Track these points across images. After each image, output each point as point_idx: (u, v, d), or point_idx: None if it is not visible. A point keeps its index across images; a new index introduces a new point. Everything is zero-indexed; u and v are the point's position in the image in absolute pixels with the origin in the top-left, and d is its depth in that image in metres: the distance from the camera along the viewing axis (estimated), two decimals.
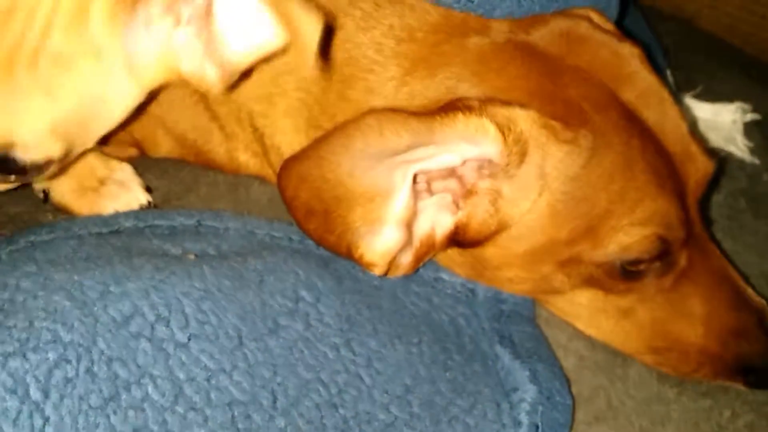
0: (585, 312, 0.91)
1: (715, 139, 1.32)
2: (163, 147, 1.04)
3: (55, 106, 0.63)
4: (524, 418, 0.79)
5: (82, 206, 0.94)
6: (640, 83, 0.87)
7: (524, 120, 0.78)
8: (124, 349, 0.65)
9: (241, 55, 0.70)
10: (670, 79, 1.32)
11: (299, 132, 0.93)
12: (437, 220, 0.83)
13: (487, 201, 0.81)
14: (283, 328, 0.76)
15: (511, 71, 0.84)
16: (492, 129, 0.77)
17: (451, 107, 0.79)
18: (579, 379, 0.90)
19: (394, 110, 0.80)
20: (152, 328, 0.68)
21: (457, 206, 0.83)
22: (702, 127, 1.33)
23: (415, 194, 0.81)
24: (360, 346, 0.79)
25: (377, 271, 0.83)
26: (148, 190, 0.97)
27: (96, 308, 0.66)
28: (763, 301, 0.93)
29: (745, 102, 1.40)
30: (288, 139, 0.94)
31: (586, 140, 0.80)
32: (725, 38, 1.71)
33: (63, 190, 0.95)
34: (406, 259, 0.84)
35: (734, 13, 1.68)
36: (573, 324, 0.94)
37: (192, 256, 0.80)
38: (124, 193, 0.95)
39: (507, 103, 0.79)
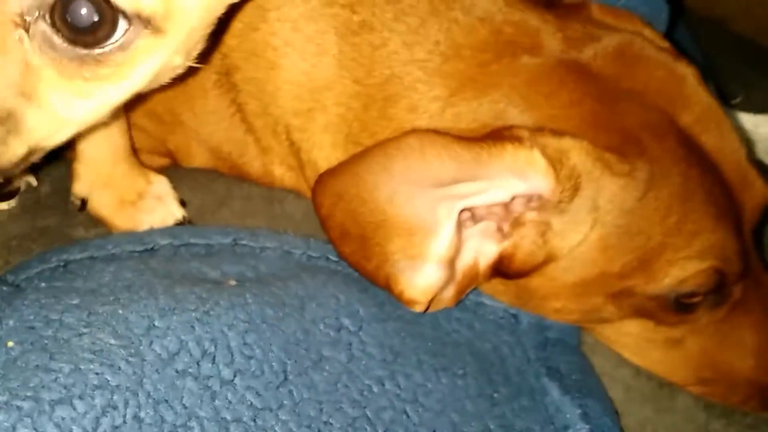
0: (633, 341, 0.89)
1: (755, 151, 1.30)
2: (197, 158, 1.02)
3: None
4: None
5: (119, 219, 0.94)
6: (697, 106, 0.85)
7: (577, 153, 0.76)
8: (171, 390, 0.63)
9: None
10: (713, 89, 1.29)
11: (337, 148, 0.90)
12: (481, 249, 0.80)
13: (534, 232, 0.79)
14: (327, 360, 0.74)
15: (563, 97, 0.81)
16: (543, 164, 0.74)
17: (500, 137, 0.76)
18: (625, 411, 0.88)
19: (438, 132, 0.77)
20: (198, 365, 0.66)
21: (502, 234, 0.80)
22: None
23: (459, 226, 0.78)
24: (405, 379, 0.76)
25: (418, 308, 0.80)
26: (183, 204, 0.96)
27: (142, 346, 0.64)
28: None
29: None
30: (325, 154, 0.91)
31: (643, 173, 0.77)
32: (758, 40, 1.68)
33: (103, 202, 0.94)
34: (448, 294, 0.82)
35: (766, 16, 1.65)
36: (619, 352, 0.92)
37: (232, 282, 0.78)
38: (161, 207, 0.94)
39: (559, 133, 0.76)
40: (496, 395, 0.80)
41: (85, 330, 0.63)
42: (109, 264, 0.76)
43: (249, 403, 0.66)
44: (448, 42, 0.85)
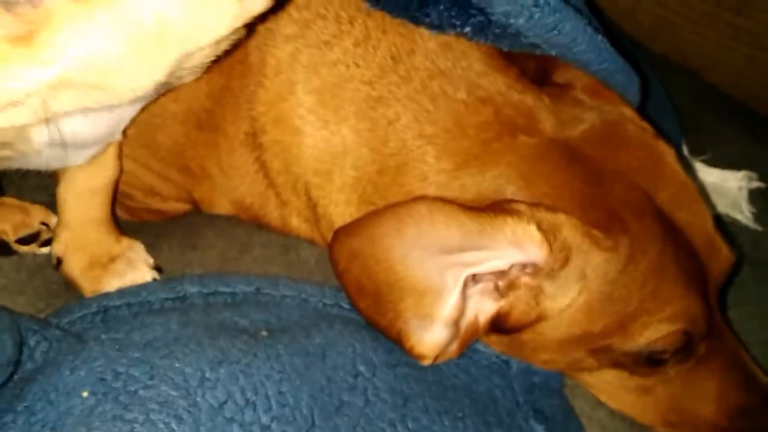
0: (609, 387, 1.00)
1: (722, 205, 1.41)
2: (220, 207, 1.12)
3: None
4: None
5: (87, 280, 1.00)
6: (673, 185, 0.95)
7: (568, 228, 0.86)
8: None
9: None
10: (685, 149, 1.40)
11: (351, 205, 1.00)
12: (480, 307, 0.90)
13: (528, 295, 0.89)
14: (347, 405, 0.84)
15: (557, 177, 0.91)
16: (538, 237, 0.84)
17: (500, 210, 0.86)
18: None
19: (445, 201, 0.87)
20: (242, 412, 0.76)
21: (499, 293, 0.90)
22: (710, 191, 1.41)
23: (464, 290, 0.88)
24: (414, 422, 0.86)
25: (426, 362, 0.90)
26: (158, 269, 1.03)
27: (198, 397, 0.74)
28: None
29: (751, 166, 1.49)
30: (340, 211, 1.01)
31: (625, 248, 0.88)
32: (730, 92, 1.79)
33: (74, 263, 1.00)
34: (452, 348, 0.91)
35: (739, 70, 1.76)
36: (597, 396, 1.03)
37: (264, 333, 0.87)
38: (131, 271, 1.01)
39: (552, 209, 0.87)
40: None
41: (150, 382, 0.74)
42: (157, 316, 0.86)
43: None
44: (456, 122, 0.94)
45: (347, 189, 1.00)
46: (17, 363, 0.78)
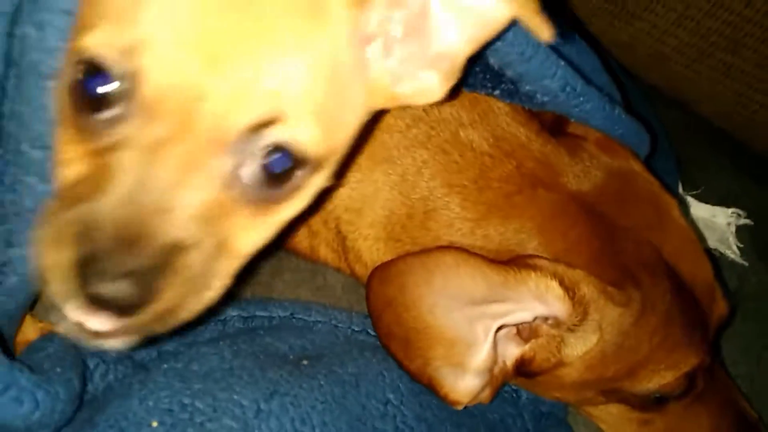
0: (612, 419, 1.09)
1: (711, 239, 1.50)
2: None
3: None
4: None
5: None
6: (677, 237, 1.04)
7: (586, 284, 0.93)
8: None
9: (464, 43, 0.75)
10: (680, 187, 1.49)
11: (379, 241, 1.06)
12: (505, 352, 0.97)
13: (550, 343, 0.96)
14: None
15: (574, 234, 0.98)
16: (561, 292, 0.91)
17: (524, 264, 0.92)
18: None
19: (470, 253, 0.93)
20: None
21: (522, 338, 0.97)
22: (701, 226, 1.50)
23: (494, 341, 0.94)
24: None
25: (460, 407, 0.97)
26: None
27: (255, 428, 0.82)
28: (756, 416, 1.12)
29: (739, 199, 1.58)
30: (368, 245, 1.07)
31: (637, 303, 0.95)
32: (720, 125, 1.88)
33: None
34: (485, 393, 0.98)
35: (729, 105, 1.84)
36: (598, 425, 1.12)
37: (305, 362, 0.95)
38: None
39: (571, 265, 0.93)
40: None
41: (213, 414, 0.81)
42: (209, 346, 0.93)
43: None
44: (479, 172, 1.00)
45: (377, 226, 1.05)
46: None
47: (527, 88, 0.96)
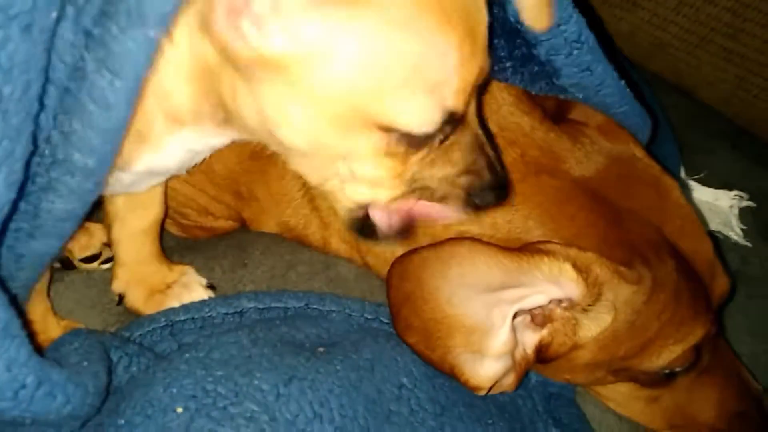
0: (621, 397, 1.12)
1: (714, 222, 1.52)
2: (266, 227, 1.22)
3: None
4: None
5: (151, 308, 1.09)
6: (679, 217, 1.06)
7: (598, 265, 0.95)
8: None
9: None
10: (682, 169, 1.52)
11: None
12: (524, 339, 0.99)
13: (565, 326, 0.98)
14: (395, 414, 0.95)
15: (581, 218, 1.00)
16: (574, 274, 0.94)
17: (536, 250, 0.95)
18: None
19: (483, 243, 0.95)
20: (311, 424, 0.87)
21: (538, 325, 0.99)
22: (703, 209, 1.53)
23: (512, 325, 0.96)
24: (451, 428, 0.97)
25: (482, 392, 0.99)
26: (212, 287, 1.13)
27: (276, 411, 0.85)
28: (761, 388, 1.15)
29: (739, 182, 1.60)
30: None
31: (648, 280, 0.98)
32: (721, 110, 1.91)
33: (136, 296, 1.10)
34: (509, 380, 1.00)
35: (730, 89, 1.87)
36: (607, 404, 1.15)
37: (321, 349, 0.98)
38: (188, 293, 1.10)
39: (583, 248, 0.96)
40: None
41: (235, 399, 0.84)
42: (228, 335, 0.96)
43: None
44: None
45: None
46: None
47: (543, 41, 0.96)
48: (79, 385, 0.79)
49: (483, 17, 0.73)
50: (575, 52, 0.98)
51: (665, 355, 1.01)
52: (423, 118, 0.71)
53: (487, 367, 0.97)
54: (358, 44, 0.65)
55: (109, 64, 0.67)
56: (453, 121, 0.75)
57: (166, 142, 0.82)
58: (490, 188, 0.83)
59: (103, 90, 0.67)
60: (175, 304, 1.08)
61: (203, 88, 0.75)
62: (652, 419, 1.13)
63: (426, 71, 0.67)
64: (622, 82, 1.07)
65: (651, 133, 1.20)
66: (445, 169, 0.80)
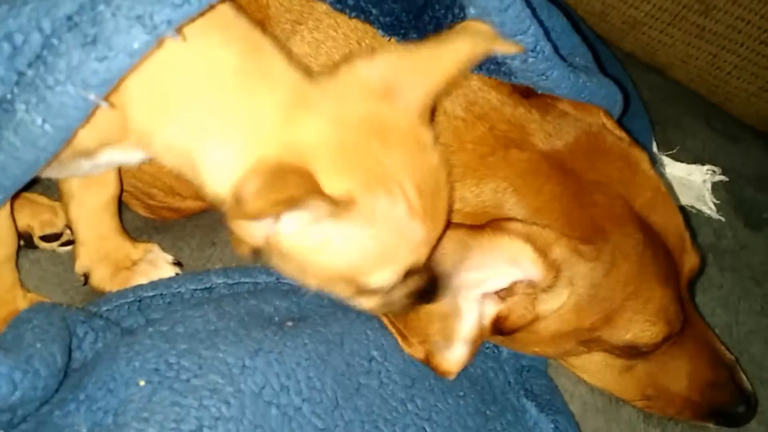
0: (594, 368, 1.12)
1: (687, 197, 1.52)
2: None
3: None
4: None
5: (116, 284, 1.08)
6: (648, 190, 1.05)
7: (558, 245, 0.95)
8: (262, 417, 0.84)
9: None
10: (654, 144, 1.52)
11: None
12: (482, 312, 0.99)
13: (525, 301, 0.98)
14: (364, 387, 0.94)
15: (546, 192, 1.00)
16: (534, 257, 0.94)
17: (499, 229, 0.95)
18: (583, 421, 1.12)
19: (450, 223, 0.93)
20: (279, 396, 0.86)
21: (498, 297, 0.99)
22: (676, 184, 1.53)
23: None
24: (422, 400, 0.97)
25: (452, 377, 1.00)
26: (179, 264, 1.12)
27: (241, 384, 0.84)
28: (733, 358, 1.15)
29: (713, 158, 1.61)
30: None
31: (607, 255, 0.98)
32: (694, 88, 1.91)
33: (101, 274, 1.08)
34: (466, 355, 1.01)
35: (704, 67, 1.88)
36: (580, 376, 1.15)
37: (290, 323, 0.97)
38: (154, 270, 1.09)
39: (544, 226, 0.96)
40: (488, 412, 1.02)
41: (199, 372, 0.83)
42: (194, 309, 0.95)
43: (315, 425, 0.87)
44: (454, 136, 1.02)
45: None
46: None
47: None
48: (27, 371, 0.78)
49: (444, 193, 0.84)
50: (530, 60, 0.99)
51: (633, 330, 1.01)
52: (391, 279, 0.83)
53: (457, 351, 0.98)
54: (347, 242, 0.78)
55: (41, 110, 0.69)
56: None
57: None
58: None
59: (32, 131, 0.70)
60: (143, 281, 1.07)
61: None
62: (624, 390, 1.13)
63: (397, 250, 0.81)
64: (581, 80, 1.07)
65: (622, 110, 1.20)
66: (402, 290, 0.88)
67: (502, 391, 1.07)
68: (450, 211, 0.87)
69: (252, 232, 0.77)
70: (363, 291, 0.85)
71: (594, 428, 1.12)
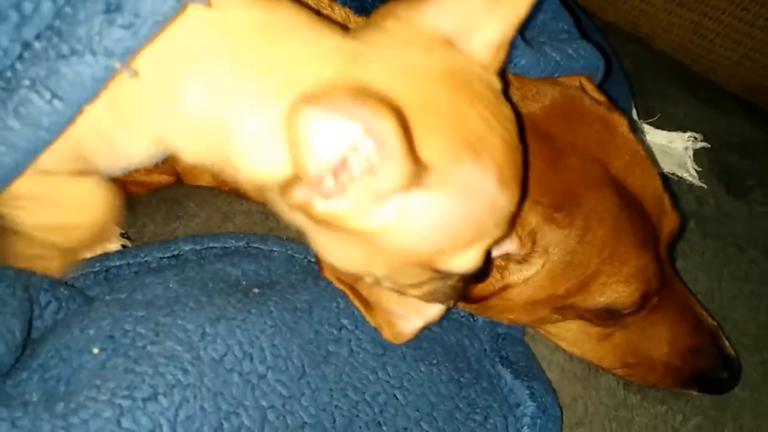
0: (572, 336, 1.09)
1: (668, 164, 1.50)
2: (202, 179, 1.17)
3: None
4: (526, 431, 0.97)
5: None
6: (626, 152, 1.03)
7: (533, 215, 0.94)
8: (223, 385, 0.81)
9: None
10: (635, 112, 1.49)
11: None
12: None
13: (495, 271, 0.97)
14: (333, 355, 0.92)
15: None
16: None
17: None
18: (561, 389, 1.09)
19: None
20: (241, 363, 0.83)
21: None
22: (657, 151, 1.50)
23: None
24: (393, 368, 0.95)
25: (399, 342, 0.97)
26: (126, 236, 1.07)
27: (200, 351, 0.81)
28: (715, 324, 1.12)
29: (695, 126, 1.58)
30: None
31: (580, 221, 0.95)
32: (676, 57, 1.89)
33: None
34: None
35: (686, 35, 1.85)
36: (558, 343, 1.12)
37: (256, 290, 0.94)
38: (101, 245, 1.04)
39: None
40: (462, 380, 0.99)
41: (156, 338, 0.80)
42: (156, 275, 0.92)
43: (279, 393, 0.84)
44: None
45: None
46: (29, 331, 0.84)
47: None
48: None
49: (521, 154, 0.77)
50: None
51: (608, 293, 0.98)
52: (476, 261, 0.76)
53: (413, 324, 0.97)
54: (430, 217, 0.69)
55: (51, 84, 0.65)
56: None
57: None
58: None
59: (37, 109, 0.66)
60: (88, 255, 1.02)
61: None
62: (603, 357, 1.10)
63: (486, 226, 0.73)
64: (554, 61, 1.07)
65: (603, 77, 1.18)
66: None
67: (477, 358, 1.04)
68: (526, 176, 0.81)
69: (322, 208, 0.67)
70: (438, 276, 0.78)
71: (572, 396, 1.09)
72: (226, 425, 0.79)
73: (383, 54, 0.69)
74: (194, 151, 0.75)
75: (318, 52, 0.68)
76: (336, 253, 0.79)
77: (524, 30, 1.13)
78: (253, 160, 0.70)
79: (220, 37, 0.69)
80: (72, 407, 0.72)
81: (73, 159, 0.77)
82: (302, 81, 0.66)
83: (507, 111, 0.74)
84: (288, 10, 0.71)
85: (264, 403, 0.83)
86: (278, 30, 0.69)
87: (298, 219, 0.77)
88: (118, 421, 0.73)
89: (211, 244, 1.03)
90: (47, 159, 0.73)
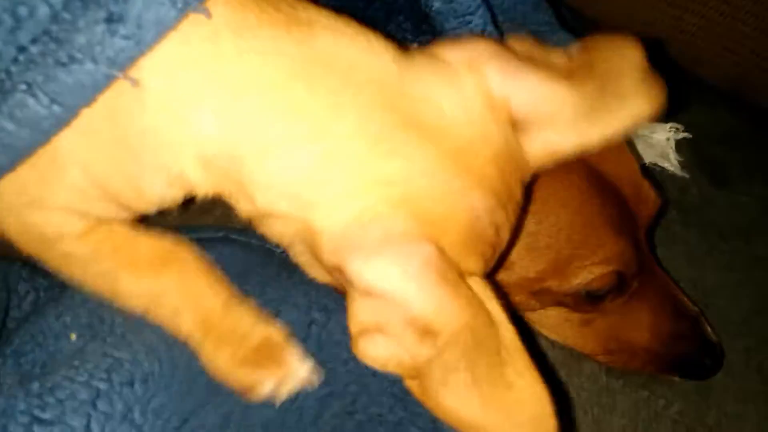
0: (553, 322, 1.09)
1: (651, 155, 1.50)
2: None
3: None
4: None
5: None
6: None
7: None
8: (192, 383, 0.80)
9: None
10: None
11: None
12: None
13: None
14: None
15: None
16: None
17: None
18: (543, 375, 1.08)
19: None
20: None
21: None
22: (639, 143, 1.50)
23: None
24: None
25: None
26: None
27: (174, 341, 0.80)
28: (697, 309, 1.13)
29: (678, 116, 1.58)
30: None
31: (537, 206, 0.95)
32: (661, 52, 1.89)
33: None
34: None
35: (669, 30, 1.85)
36: (539, 330, 1.12)
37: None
38: None
39: None
40: None
41: (133, 328, 0.80)
42: None
43: None
44: None
45: None
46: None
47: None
48: None
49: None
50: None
51: (583, 276, 0.98)
52: None
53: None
54: None
55: (50, 90, 0.64)
56: None
57: None
58: None
59: (35, 113, 0.65)
60: None
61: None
62: (585, 343, 1.10)
63: None
64: None
65: None
66: None
67: None
68: None
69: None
70: None
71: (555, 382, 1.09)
72: (192, 420, 0.79)
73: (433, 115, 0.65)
74: (212, 183, 0.72)
75: (356, 102, 0.64)
76: None
77: (502, 21, 1.12)
78: (269, 194, 0.68)
79: (249, 72, 0.65)
80: (48, 386, 0.72)
81: (104, 198, 0.76)
82: (335, 131, 0.63)
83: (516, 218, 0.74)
84: (327, 41, 0.66)
85: (230, 401, 0.82)
86: (317, 67, 0.64)
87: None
88: (94, 404, 0.72)
89: (189, 236, 1.03)
90: (78, 199, 0.73)
